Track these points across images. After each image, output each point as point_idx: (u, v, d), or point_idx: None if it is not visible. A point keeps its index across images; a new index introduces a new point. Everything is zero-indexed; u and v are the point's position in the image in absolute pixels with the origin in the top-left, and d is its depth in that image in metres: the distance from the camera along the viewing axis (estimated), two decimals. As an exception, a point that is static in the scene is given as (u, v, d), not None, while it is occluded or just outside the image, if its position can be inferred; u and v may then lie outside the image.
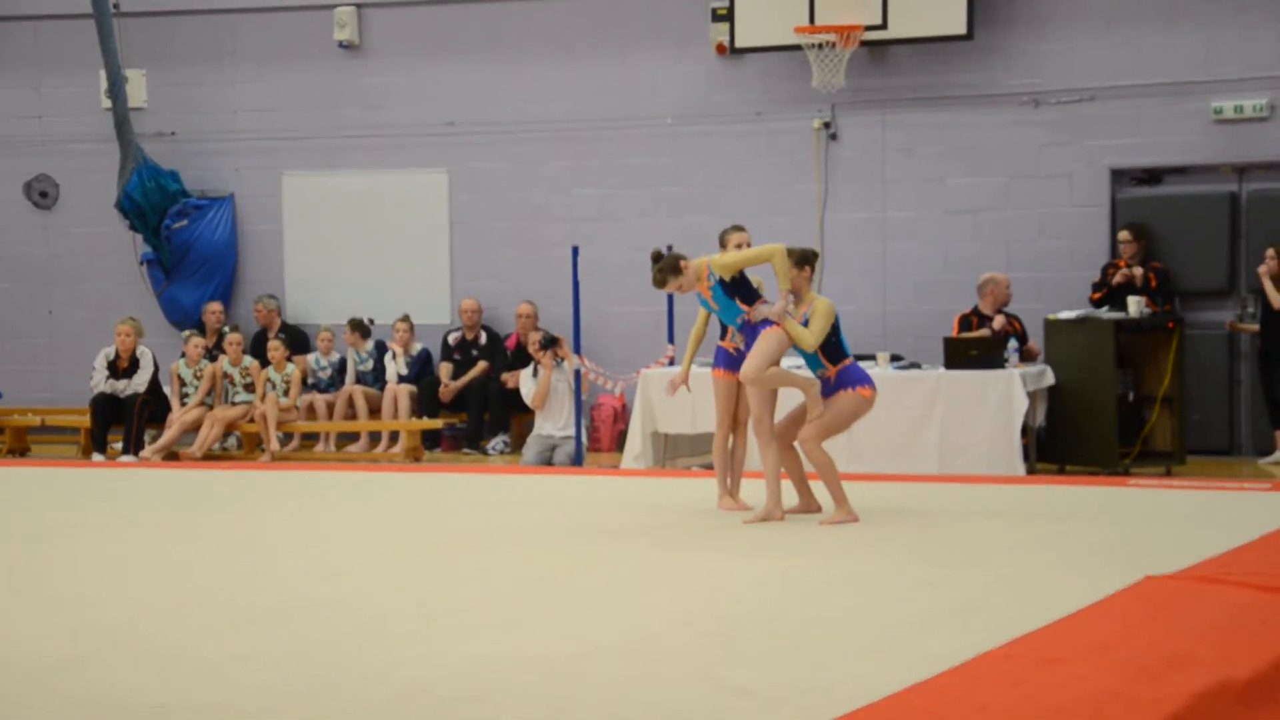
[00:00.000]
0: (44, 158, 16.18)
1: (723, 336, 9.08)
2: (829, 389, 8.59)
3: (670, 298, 13.62)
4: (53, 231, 16.24)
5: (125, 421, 14.15)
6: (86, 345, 15.21)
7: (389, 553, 7.87)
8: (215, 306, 15.46)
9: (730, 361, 9.04)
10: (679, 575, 7.08)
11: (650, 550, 7.80)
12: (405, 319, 14.84)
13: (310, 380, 14.90)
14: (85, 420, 14.52)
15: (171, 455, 14.11)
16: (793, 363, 9.12)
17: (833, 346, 8.61)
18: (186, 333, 14.79)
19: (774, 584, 6.86)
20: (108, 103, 15.64)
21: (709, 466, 12.15)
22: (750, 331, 8.54)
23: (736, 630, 5.82)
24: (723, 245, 9.17)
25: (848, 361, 8.66)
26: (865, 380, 8.66)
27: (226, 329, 14.89)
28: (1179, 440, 12.35)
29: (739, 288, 8.58)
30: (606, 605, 6.39)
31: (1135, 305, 12.26)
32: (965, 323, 13.02)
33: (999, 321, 12.72)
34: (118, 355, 14.37)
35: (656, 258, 8.70)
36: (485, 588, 6.82)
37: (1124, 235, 13.20)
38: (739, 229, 9.21)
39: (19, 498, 10.73)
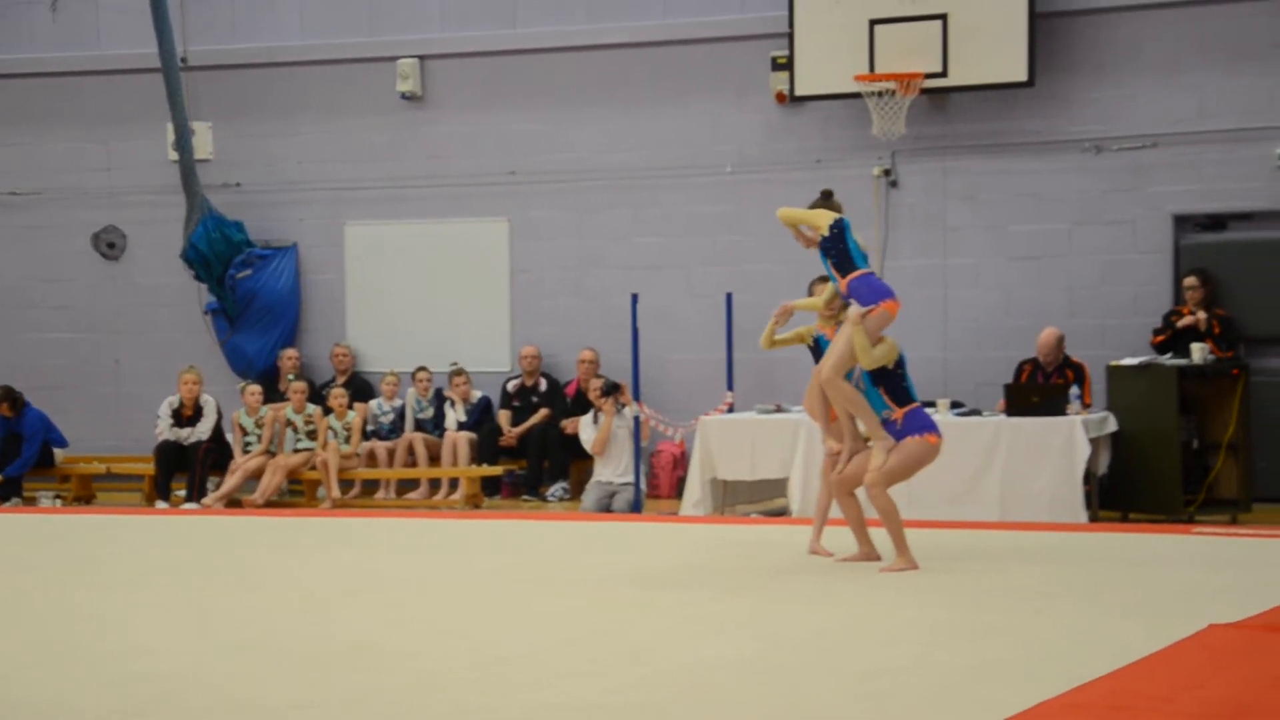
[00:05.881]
0: (112, 209, 16.39)
1: None
2: (895, 434, 8.57)
3: (730, 344, 13.65)
4: (120, 282, 16.43)
5: (189, 469, 14.28)
6: (151, 394, 15.35)
7: (450, 599, 7.89)
8: (291, 352, 15.60)
9: None
10: (738, 623, 7.06)
11: (709, 597, 7.79)
12: (460, 371, 14.88)
13: (371, 426, 14.98)
14: (149, 468, 14.64)
15: (234, 502, 14.20)
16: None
17: (899, 388, 8.58)
18: (242, 385, 14.90)
19: (834, 632, 6.83)
20: (175, 155, 15.84)
21: (769, 513, 12.18)
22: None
23: (796, 679, 5.80)
24: (811, 294, 9.34)
25: (914, 405, 8.63)
26: (931, 427, 8.62)
27: (292, 377, 15.00)
28: (1245, 487, 12.21)
29: (834, 252, 8.59)
30: (666, 653, 6.37)
31: (1199, 351, 12.15)
32: (1022, 370, 12.94)
33: None
34: (182, 404, 14.50)
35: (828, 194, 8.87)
36: (546, 635, 6.81)
37: (1191, 281, 13.08)
38: (825, 279, 9.20)
39: (84, 545, 10.82)
